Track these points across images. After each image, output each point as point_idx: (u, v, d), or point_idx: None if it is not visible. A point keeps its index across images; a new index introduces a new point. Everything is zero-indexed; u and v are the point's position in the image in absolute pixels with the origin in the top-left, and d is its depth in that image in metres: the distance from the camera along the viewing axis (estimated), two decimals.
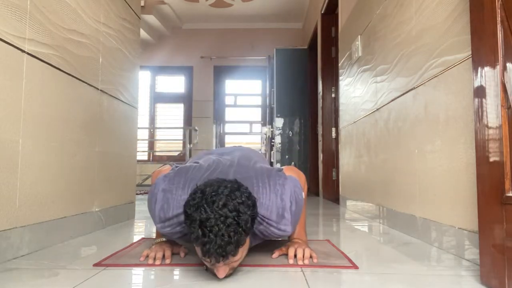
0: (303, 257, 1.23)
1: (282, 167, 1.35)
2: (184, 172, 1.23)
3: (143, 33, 5.91)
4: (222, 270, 1.01)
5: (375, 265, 1.25)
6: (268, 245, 1.45)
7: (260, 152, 1.49)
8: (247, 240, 1.05)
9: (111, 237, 1.75)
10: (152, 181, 1.30)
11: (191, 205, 0.97)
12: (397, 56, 2.00)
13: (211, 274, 1.06)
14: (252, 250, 1.41)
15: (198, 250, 0.99)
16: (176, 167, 1.28)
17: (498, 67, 0.97)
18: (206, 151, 1.62)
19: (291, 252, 1.25)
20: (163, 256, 1.23)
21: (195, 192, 1.00)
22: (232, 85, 6.74)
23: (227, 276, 1.04)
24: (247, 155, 1.44)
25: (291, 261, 1.22)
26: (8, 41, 1.27)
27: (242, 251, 1.03)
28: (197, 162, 1.31)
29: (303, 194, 1.27)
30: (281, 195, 1.17)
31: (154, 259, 1.22)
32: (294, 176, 1.28)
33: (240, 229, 0.95)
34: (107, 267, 1.17)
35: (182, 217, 1.08)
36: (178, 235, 1.20)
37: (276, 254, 1.30)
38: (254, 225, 1.07)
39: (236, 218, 0.95)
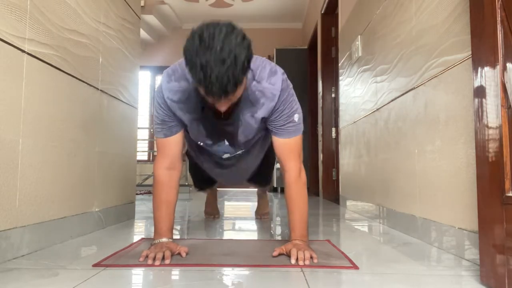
0: (304, 258, 1.23)
1: None
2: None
3: (143, 33, 5.91)
4: (223, 105, 1.12)
5: (375, 265, 1.25)
6: (269, 246, 1.46)
7: None
8: (245, 80, 1.13)
9: (111, 237, 1.75)
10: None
11: (190, 50, 1.02)
12: (397, 56, 2.00)
13: (214, 108, 1.17)
14: (252, 251, 1.41)
15: (201, 89, 1.07)
16: None
17: (498, 67, 0.97)
18: None
19: (291, 254, 1.25)
20: (163, 256, 1.23)
21: (193, 37, 1.03)
22: None
23: (228, 116, 1.25)
24: None
25: (293, 262, 1.22)
26: (8, 41, 1.27)
27: (241, 88, 1.12)
28: None
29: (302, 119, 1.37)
30: (276, 67, 1.33)
31: (154, 259, 1.21)
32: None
33: (237, 69, 1.02)
34: (106, 267, 1.17)
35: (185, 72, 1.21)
36: (182, 97, 1.28)
37: (276, 252, 1.30)
38: (247, 83, 1.23)
39: (232, 60, 1.00)
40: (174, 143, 1.39)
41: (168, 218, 1.40)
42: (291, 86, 1.36)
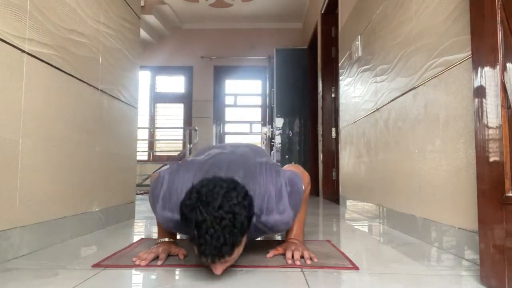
0: (303, 258, 1.23)
1: (287, 164, 1.37)
2: (189, 162, 1.26)
3: (143, 33, 5.91)
4: (219, 267, 1.02)
5: (375, 265, 1.25)
6: (269, 246, 1.45)
7: (265, 151, 1.59)
8: (243, 239, 1.04)
9: (111, 237, 1.75)
10: (153, 179, 1.29)
11: (187, 205, 0.97)
12: (397, 56, 2.00)
13: (208, 270, 1.07)
14: (252, 251, 1.41)
15: (195, 249, 0.98)
16: (177, 162, 1.29)
17: (498, 67, 0.97)
18: (209, 146, 1.61)
19: (288, 253, 1.25)
20: (158, 257, 1.23)
21: (191, 192, 0.99)
22: (232, 85, 6.74)
23: (224, 271, 1.05)
24: (252, 149, 1.46)
25: (289, 262, 1.22)
26: (8, 41, 1.27)
27: (238, 250, 1.03)
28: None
29: (303, 186, 1.25)
30: (276, 177, 1.18)
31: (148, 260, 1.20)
32: (295, 170, 1.29)
33: (236, 230, 0.95)
34: (106, 268, 1.17)
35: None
36: (176, 226, 1.17)
37: (271, 254, 1.30)
38: (254, 220, 1.08)
39: (231, 220, 0.94)
40: None
41: None
42: (294, 182, 1.22)
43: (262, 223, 1.15)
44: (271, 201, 1.15)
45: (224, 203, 0.95)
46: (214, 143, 6.48)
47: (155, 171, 1.38)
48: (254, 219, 1.10)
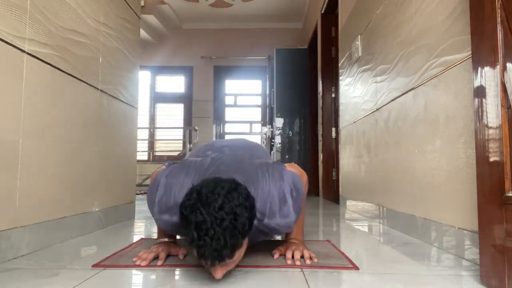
0: (303, 257, 1.24)
1: (284, 164, 1.34)
2: (186, 164, 1.24)
3: (143, 33, 5.91)
4: (219, 271, 0.99)
5: (375, 265, 1.25)
6: (268, 246, 1.45)
7: (263, 146, 1.55)
8: (245, 242, 1.02)
9: (111, 237, 1.75)
10: (151, 179, 1.29)
11: (187, 206, 0.94)
12: (397, 56, 2.00)
13: (209, 273, 1.06)
14: (252, 251, 1.41)
15: (194, 251, 0.95)
16: (174, 163, 1.28)
17: (498, 67, 0.97)
18: (206, 145, 1.52)
19: (288, 253, 1.25)
20: (158, 257, 1.23)
21: (191, 193, 0.97)
22: (232, 85, 6.74)
23: (224, 275, 1.03)
24: (249, 149, 1.45)
25: (289, 262, 1.22)
26: (8, 41, 1.27)
27: (239, 253, 1.01)
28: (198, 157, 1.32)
29: (303, 189, 1.24)
30: (280, 181, 1.15)
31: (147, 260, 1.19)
32: (295, 171, 1.28)
33: (237, 232, 0.92)
34: (106, 268, 1.17)
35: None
36: (175, 228, 1.15)
37: (277, 254, 1.30)
38: (256, 223, 1.05)
39: (232, 221, 0.91)
40: None
41: None
42: (298, 187, 1.20)
43: (264, 225, 1.13)
44: (274, 206, 1.12)
45: (225, 203, 0.92)
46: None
47: (154, 171, 1.39)
48: (256, 222, 1.06)
